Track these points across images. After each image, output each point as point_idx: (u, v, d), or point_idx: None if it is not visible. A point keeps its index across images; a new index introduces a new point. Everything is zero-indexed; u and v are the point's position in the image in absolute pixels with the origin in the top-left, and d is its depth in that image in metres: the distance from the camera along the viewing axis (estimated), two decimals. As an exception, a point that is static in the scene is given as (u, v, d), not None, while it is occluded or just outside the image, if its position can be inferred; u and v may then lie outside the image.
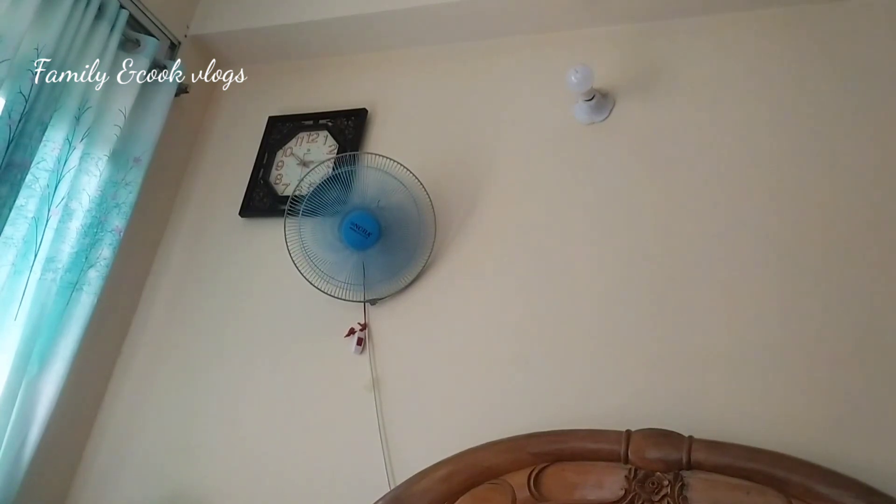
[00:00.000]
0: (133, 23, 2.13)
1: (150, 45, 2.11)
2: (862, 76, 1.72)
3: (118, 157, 2.01)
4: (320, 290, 1.89)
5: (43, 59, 1.78)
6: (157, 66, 2.14)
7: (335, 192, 1.90)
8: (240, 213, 2.18)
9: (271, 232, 2.07)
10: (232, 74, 2.51)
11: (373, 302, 1.91)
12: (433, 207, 1.94)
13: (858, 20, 1.78)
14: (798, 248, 1.61)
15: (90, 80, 1.92)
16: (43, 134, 1.80)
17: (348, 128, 2.18)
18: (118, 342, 2.14)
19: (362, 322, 1.89)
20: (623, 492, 1.42)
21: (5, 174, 1.71)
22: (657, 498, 1.39)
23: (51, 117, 1.82)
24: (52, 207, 1.84)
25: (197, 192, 2.34)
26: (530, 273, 1.81)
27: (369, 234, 1.86)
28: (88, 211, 1.91)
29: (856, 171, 1.63)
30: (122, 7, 2.04)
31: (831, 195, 1.63)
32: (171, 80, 2.16)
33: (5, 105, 1.72)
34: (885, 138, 1.64)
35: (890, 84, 1.69)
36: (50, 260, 1.82)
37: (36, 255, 1.80)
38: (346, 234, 1.85)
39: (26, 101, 1.74)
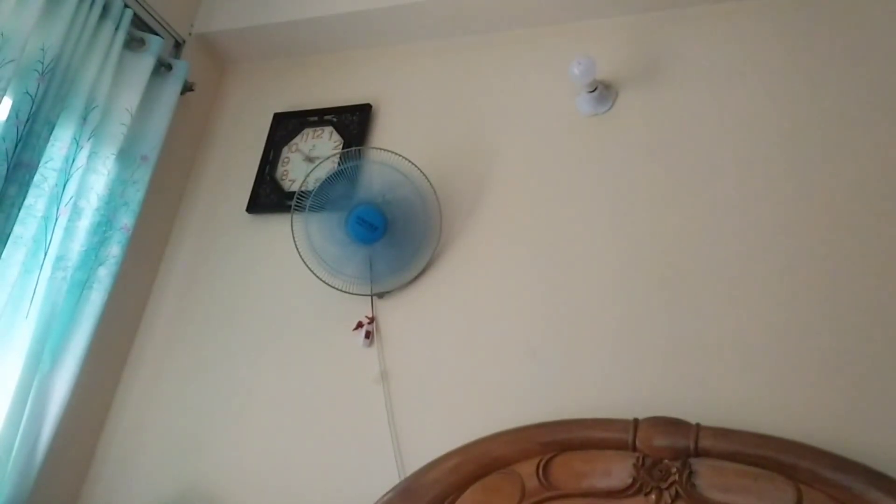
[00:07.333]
0: (138, 22, 2.14)
1: (154, 43, 2.12)
2: (867, 61, 1.72)
3: (125, 156, 2.02)
4: (328, 284, 1.90)
5: (48, 59, 1.79)
6: (163, 64, 2.15)
7: (341, 187, 1.91)
8: (247, 210, 2.20)
9: (278, 228, 2.08)
10: (236, 72, 2.52)
11: (380, 295, 1.92)
12: (438, 200, 1.95)
13: (863, 5, 1.78)
14: (805, 237, 1.61)
15: (96, 80, 1.93)
16: (50, 133, 1.81)
17: (353, 123, 2.19)
18: (129, 338, 2.16)
19: (370, 315, 1.90)
20: (631, 480, 1.43)
21: (14, 174, 1.73)
22: (665, 485, 1.40)
23: (58, 117, 1.83)
24: (61, 206, 1.85)
25: (204, 189, 2.35)
26: (535, 264, 1.81)
27: (376, 228, 1.87)
28: (97, 209, 1.92)
29: (862, 158, 1.63)
30: (126, 6, 2.05)
31: (838, 182, 1.63)
32: (176, 78, 2.17)
33: (12, 105, 1.73)
34: (891, 124, 1.64)
35: (895, 69, 1.69)
36: (60, 258, 1.84)
37: (46, 254, 1.82)
38: (353, 229, 1.86)
39: (33, 102, 1.75)
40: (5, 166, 1.69)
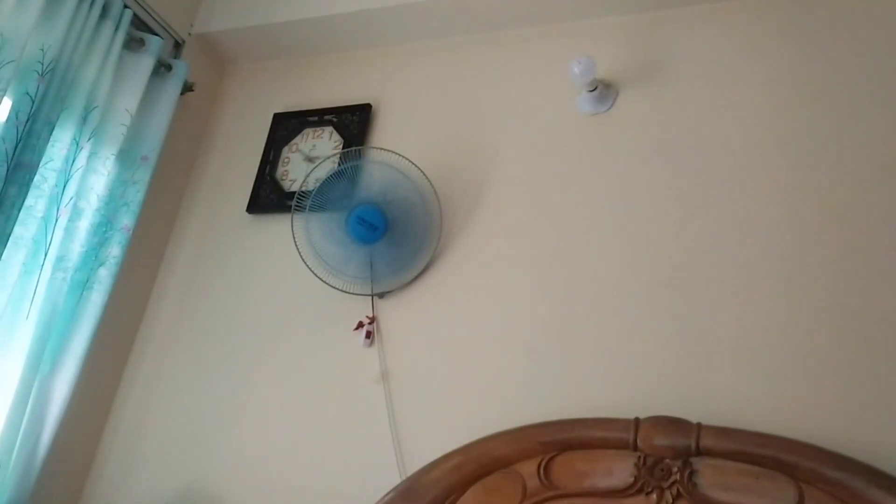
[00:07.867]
0: (137, 22, 2.14)
1: (154, 43, 2.12)
2: (868, 60, 1.72)
3: (125, 156, 2.02)
4: (328, 284, 1.90)
5: (48, 60, 1.79)
6: (162, 64, 2.15)
7: (341, 187, 1.91)
8: (247, 210, 2.19)
9: (279, 228, 2.08)
10: (236, 72, 2.52)
11: (381, 295, 1.92)
12: (439, 200, 1.95)
13: (864, 4, 1.77)
14: (805, 236, 1.61)
15: (96, 80, 1.93)
16: (50, 134, 1.81)
17: (353, 123, 2.19)
18: (129, 339, 2.16)
19: (371, 315, 1.90)
20: (633, 479, 1.43)
21: (14, 175, 1.72)
22: (667, 485, 1.40)
23: (58, 117, 1.83)
24: (61, 207, 1.85)
25: (204, 189, 2.35)
26: (536, 264, 1.81)
27: (376, 227, 1.87)
28: (97, 210, 1.92)
29: (864, 158, 1.63)
30: (126, 6, 2.05)
31: (839, 181, 1.63)
32: (176, 78, 2.17)
33: (12, 106, 1.73)
34: (893, 123, 1.63)
35: None
36: (60, 259, 1.84)
37: (46, 255, 1.81)
38: (353, 229, 1.86)
39: (33, 102, 1.75)
40: (5, 167, 1.69)
